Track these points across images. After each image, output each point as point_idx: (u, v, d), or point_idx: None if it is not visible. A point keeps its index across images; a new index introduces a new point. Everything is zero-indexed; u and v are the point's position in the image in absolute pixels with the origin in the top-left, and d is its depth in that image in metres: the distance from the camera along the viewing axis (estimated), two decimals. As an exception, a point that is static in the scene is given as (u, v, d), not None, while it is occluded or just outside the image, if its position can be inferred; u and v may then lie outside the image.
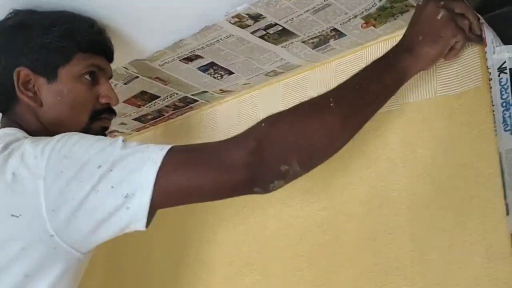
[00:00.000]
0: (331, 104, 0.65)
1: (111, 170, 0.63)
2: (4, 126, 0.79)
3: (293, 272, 0.91)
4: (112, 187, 0.63)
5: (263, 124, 0.65)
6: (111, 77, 0.89)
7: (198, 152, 0.67)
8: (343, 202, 0.86)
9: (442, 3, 0.69)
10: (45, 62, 0.78)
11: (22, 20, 0.80)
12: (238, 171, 0.63)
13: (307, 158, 0.65)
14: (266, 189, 0.65)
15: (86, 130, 0.80)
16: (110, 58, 0.87)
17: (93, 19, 0.84)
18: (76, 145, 0.67)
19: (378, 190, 0.82)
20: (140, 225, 0.64)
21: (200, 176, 0.64)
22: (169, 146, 0.65)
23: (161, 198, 0.63)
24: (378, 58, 0.73)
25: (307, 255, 0.89)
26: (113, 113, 0.87)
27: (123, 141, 0.67)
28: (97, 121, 0.83)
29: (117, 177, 0.63)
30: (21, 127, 0.78)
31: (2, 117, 0.84)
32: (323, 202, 0.89)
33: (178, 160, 0.64)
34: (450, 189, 0.74)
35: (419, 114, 0.81)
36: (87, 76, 0.80)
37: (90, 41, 0.80)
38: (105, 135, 0.87)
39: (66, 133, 0.70)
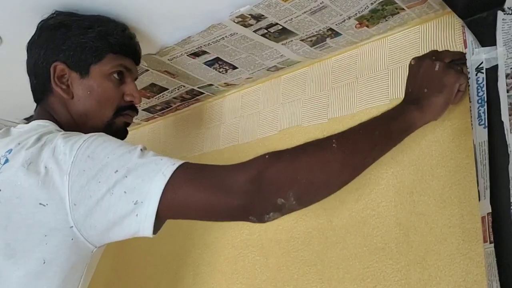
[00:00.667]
0: (334, 145, 0.67)
1: (126, 177, 0.69)
2: (37, 117, 0.86)
3: (289, 253, 0.98)
4: (125, 192, 0.68)
5: (266, 156, 0.69)
6: (136, 78, 0.95)
7: (204, 173, 0.70)
8: (336, 189, 0.94)
9: (434, 57, 0.75)
10: (79, 59, 0.85)
11: (62, 21, 0.87)
12: (236, 196, 0.66)
13: (304, 194, 0.67)
14: (261, 219, 0.68)
15: (110, 124, 0.89)
16: (137, 61, 0.94)
17: (125, 24, 0.91)
18: (99, 147, 0.72)
19: (368, 178, 0.89)
20: (148, 232, 0.69)
21: (201, 195, 0.68)
22: (180, 162, 0.70)
23: (166, 209, 0.68)
24: (387, 110, 0.75)
25: (303, 237, 0.97)
26: (135, 110, 0.94)
27: (141, 150, 0.72)
28: (120, 116, 0.90)
29: (130, 184, 0.68)
30: (52, 117, 0.85)
31: (36, 108, 0.91)
32: (318, 189, 0.97)
33: (186, 177, 0.68)
34: (432, 177, 0.81)
35: (407, 108, 0.88)
36: (115, 75, 0.87)
37: (121, 43, 0.88)
38: (126, 130, 0.94)
39: (94, 134, 0.76)
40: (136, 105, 0.93)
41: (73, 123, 0.86)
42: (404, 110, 0.74)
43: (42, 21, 0.89)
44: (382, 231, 0.85)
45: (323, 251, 0.92)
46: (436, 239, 0.78)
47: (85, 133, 0.77)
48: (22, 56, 1.10)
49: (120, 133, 0.90)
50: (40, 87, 0.88)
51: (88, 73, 0.85)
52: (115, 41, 0.86)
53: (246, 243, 1.07)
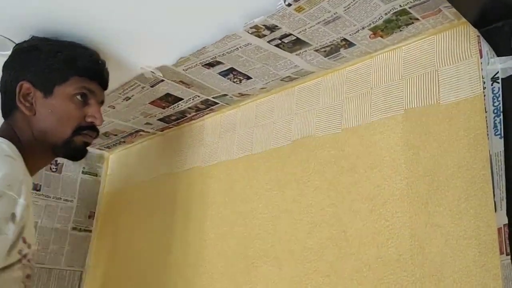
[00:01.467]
0: None
1: None
2: (1, 133, 0.88)
3: (303, 264, 0.97)
4: None
5: None
6: (102, 102, 0.99)
7: None
8: (349, 200, 0.93)
9: None
10: (45, 80, 0.90)
11: (35, 44, 0.93)
12: None
13: None
14: None
15: (69, 141, 0.92)
16: (104, 85, 0.99)
17: (95, 50, 0.98)
18: None
19: (382, 188, 0.89)
20: None
21: None
22: None
23: None
24: None
25: (316, 248, 0.96)
26: (96, 131, 0.97)
27: None
28: (79, 135, 0.93)
29: None
30: (14, 133, 0.89)
31: (3, 123, 0.94)
32: (331, 199, 0.96)
33: None
34: (447, 188, 0.80)
35: (422, 119, 0.87)
36: (78, 97, 0.92)
37: (87, 67, 0.93)
38: (86, 149, 0.97)
39: None
40: (97, 126, 0.96)
41: (33, 139, 0.89)
42: None
43: (17, 44, 0.96)
44: (396, 243, 0.84)
45: (337, 262, 0.92)
46: (451, 251, 0.77)
47: (45, 149, 0.84)
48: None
49: (79, 151, 0.95)
50: (8, 104, 0.93)
51: (52, 93, 0.90)
52: (82, 65, 0.92)
53: (260, 253, 1.07)
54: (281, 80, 1.09)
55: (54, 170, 1.56)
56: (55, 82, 0.89)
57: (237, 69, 1.05)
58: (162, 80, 1.13)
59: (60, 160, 1.58)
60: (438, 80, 0.87)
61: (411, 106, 0.89)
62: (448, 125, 0.83)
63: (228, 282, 1.12)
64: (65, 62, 0.91)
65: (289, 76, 1.07)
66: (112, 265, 1.53)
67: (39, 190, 1.51)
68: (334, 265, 0.92)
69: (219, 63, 1.03)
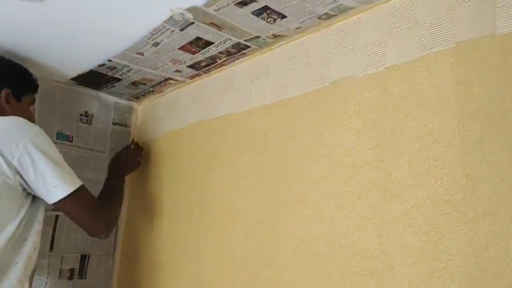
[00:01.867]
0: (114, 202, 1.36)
1: None
2: None
3: (344, 207, 0.95)
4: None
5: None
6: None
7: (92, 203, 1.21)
8: (394, 141, 0.89)
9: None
10: (19, 92, 1.26)
11: (14, 65, 1.30)
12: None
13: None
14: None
15: None
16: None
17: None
18: None
19: (430, 127, 0.84)
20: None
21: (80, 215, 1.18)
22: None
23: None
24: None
25: (358, 191, 0.93)
26: None
27: None
28: None
29: None
30: None
31: None
32: (374, 141, 0.92)
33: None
34: (504, 124, 0.75)
35: (475, 52, 0.81)
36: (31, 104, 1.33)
37: (36, 87, 1.34)
38: None
39: None
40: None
41: None
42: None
43: None
44: (447, 183, 0.80)
45: (381, 205, 0.89)
46: (508, 190, 0.73)
47: None
48: (63, 16, 1.10)
49: None
50: None
51: (21, 100, 1.28)
52: (34, 85, 1.33)
53: (297, 198, 1.05)
54: (318, 18, 1.03)
55: (84, 121, 1.55)
56: (23, 94, 1.28)
57: (271, 7, 0.99)
58: (192, 23, 1.08)
59: (90, 111, 1.57)
60: (494, 8, 0.79)
61: (463, 39, 0.83)
62: (505, 57, 0.77)
63: (265, 228, 1.11)
64: (29, 81, 1.31)
65: (326, 13, 1.01)
66: (145, 213, 1.54)
67: (71, 141, 1.51)
68: (377, 208, 0.89)
69: (252, 1, 0.97)
